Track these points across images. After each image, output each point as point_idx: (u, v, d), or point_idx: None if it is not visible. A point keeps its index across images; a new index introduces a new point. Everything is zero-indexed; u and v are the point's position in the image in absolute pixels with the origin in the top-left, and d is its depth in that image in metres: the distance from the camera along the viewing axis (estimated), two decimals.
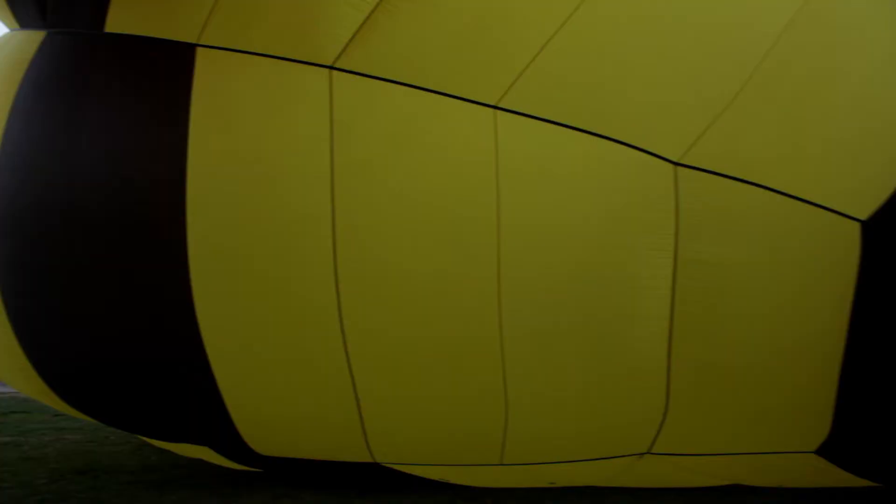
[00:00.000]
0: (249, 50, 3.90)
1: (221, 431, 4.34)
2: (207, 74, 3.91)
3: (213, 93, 3.93)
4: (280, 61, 3.88)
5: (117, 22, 4.07)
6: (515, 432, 4.09)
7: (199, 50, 3.93)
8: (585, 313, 3.79)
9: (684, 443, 4.21)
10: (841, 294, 3.72)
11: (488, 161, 3.71)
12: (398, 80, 3.81)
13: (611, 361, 3.88)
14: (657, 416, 4.02)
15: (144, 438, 5.37)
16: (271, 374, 4.07)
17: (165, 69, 3.96)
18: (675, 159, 3.66)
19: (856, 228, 3.66)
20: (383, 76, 3.82)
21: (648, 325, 3.81)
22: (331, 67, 3.84)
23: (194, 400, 4.22)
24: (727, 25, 3.75)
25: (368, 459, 4.43)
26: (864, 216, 3.65)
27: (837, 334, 3.76)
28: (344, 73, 3.83)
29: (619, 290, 3.77)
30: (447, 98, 3.78)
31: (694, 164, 3.65)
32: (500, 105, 3.73)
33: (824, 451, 4.08)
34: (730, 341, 3.80)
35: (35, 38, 4.31)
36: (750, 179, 3.64)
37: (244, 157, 3.90)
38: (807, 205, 3.65)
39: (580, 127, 3.70)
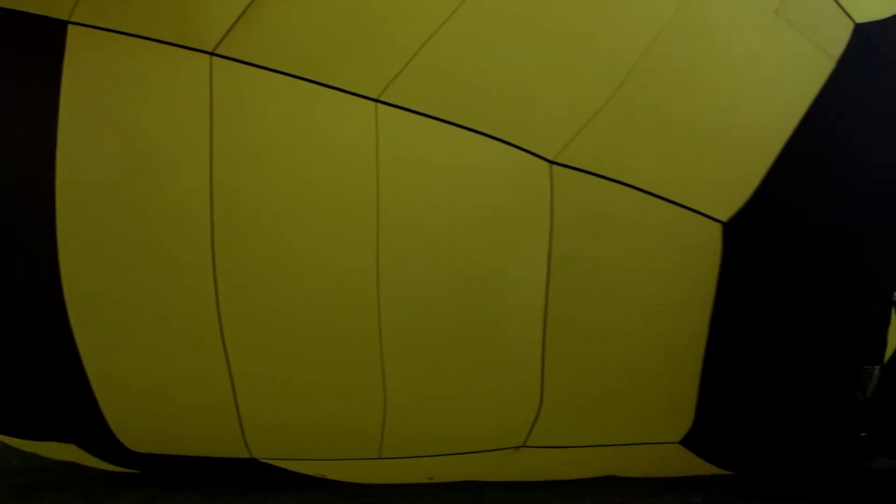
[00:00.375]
0: (125, 30, 3.81)
1: (90, 423, 4.22)
2: (79, 53, 3.81)
3: (85, 74, 3.83)
4: (158, 44, 3.82)
5: None
6: (394, 425, 4.14)
7: (71, 27, 3.82)
8: (462, 307, 3.89)
9: (559, 435, 4.34)
10: (704, 291, 3.92)
11: (369, 155, 3.76)
12: (280, 69, 3.81)
13: (486, 355, 3.98)
14: (532, 409, 4.14)
15: (4, 439, 5.14)
16: (144, 359, 4.00)
17: (34, 46, 3.84)
18: (550, 158, 3.79)
19: (717, 229, 3.86)
20: (265, 65, 3.81)
21: (523, 320, 3.93)
22: (211, 53, 3.80)
23: (59, 386, 4.10)
24: (605, 26, 3.91)
25: (246, 455, 4.39)
26: (725, 218, 3.86)
27: (700, 330, 3.95)
28: (225, 60, 3.79)
29: (494, 286, 3.88)
30: (329, 89, 3.80)
31: (569, 163, 3.79)
32: (381, 98, 3.77)
33: (687, 442, 4.28)
34: (600, 336, 3.97)
35: None
36: (621, 179, 3.80)
37: (118, 141, 3.83)
38: (673, 205, 3.83)
39: (460, 123, 3.78)
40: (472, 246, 3.83)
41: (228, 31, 3.74)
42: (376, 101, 3.78)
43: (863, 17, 4.30)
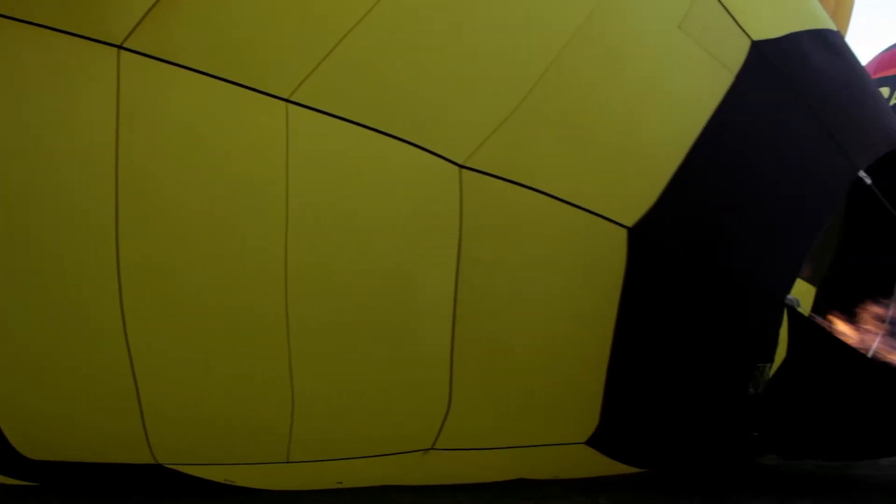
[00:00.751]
0: (29, 19, 3.72)
1: None
2: None
3: None
4: (63, 35, 3.74)
5: None
6: (302, 426, 4.13)
7: None
8: (370, 308, 3.93)
9: (467, 437, 4.42)
10: (609, 294, 4.07)
11: (279, 156, 3.76)
12: (190, 65, 3.77)
13: (395, 356, 4.04)
14: (440, 410, 4.21)
15: None
16: (39, 353, 3.90)
17: None
18: (460, 162, 3.87)
19: (623, 234, 4.02)
20: (175, 60, 3.77)
21: (432, 322, 4.00)
22: (119, 47, 3.74)
23: None
24: (515, 34, 4.02)
25: (150, 460, 4.31)
26: (630, 223, 4.02)
27: (605, 332, 4.10)
28: (133, 54, 3.74)
29: (403, 287, 3.95)
30: (240, 88, 3.79)
31: (478, 168, 3.88)
32: (292, 99, 3.79)
33: (593, 441, 4.41)
34: (507, 339, 4.07)
35: None
36: (529, 184, 3.91)
37: (17, 135, 3.73)
38: (580, 210, 3.97)
39: (371, 125, 3.83)
40: (381, 248, 3.88)
41: (138, 24, 3.69)
42: (287, 101, 3.79)
43: (759, 34, 4.56)
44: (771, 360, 4.31)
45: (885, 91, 19.12)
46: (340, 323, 3.91)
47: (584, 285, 4.07)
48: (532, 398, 4.26)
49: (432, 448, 4.41)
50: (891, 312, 5.35)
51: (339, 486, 4.79)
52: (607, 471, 4.82)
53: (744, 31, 4.54)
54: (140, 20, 3.70)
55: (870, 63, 20.67)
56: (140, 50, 3.73)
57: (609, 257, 4.05)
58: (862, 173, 4.48)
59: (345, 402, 4.11)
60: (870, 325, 5.12)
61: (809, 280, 5.74)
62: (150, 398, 3.95)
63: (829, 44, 5.03)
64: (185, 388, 3.99)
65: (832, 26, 5.25)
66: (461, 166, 3.89)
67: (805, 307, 5.21)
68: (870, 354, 4.89)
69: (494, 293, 3.98)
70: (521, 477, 4.91)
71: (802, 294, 5.57)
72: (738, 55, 4.45)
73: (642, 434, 4.52)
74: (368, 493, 4.74)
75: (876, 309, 5.22)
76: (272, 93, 3.78)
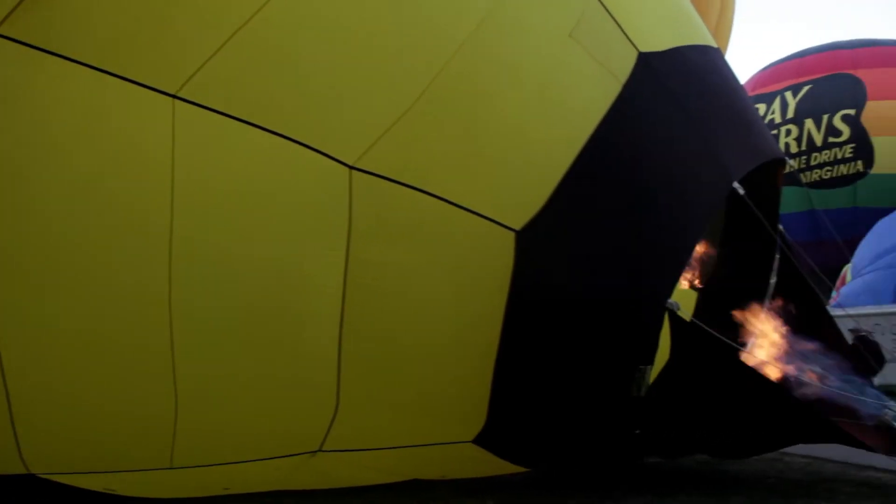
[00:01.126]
0: None
1: None
2: None
3: None
4: None
5: None
6: (185, 429, 4.06)
7: None
8: (256, 309, 3.91)
9: (356, 438, 4.43)
10: (496, 297, 4.16)
11: (164, 151, 3.70)
12: (71, 56, 3.65)
13: (282, 357, 4.02)
14: (328, 412, 4.21)
15: None
16: None
17: None
18: (350, 163, 3.90)
19: (511, 237, 4.12)
20: (54, 50, 3.65)
21: (320, 323, 4.01)
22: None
23: None
24: (407, 38, 4.07)
25: (22, 471, 4.13)
26: (517, 227, 4.12)
27: (492, 333, 4.19)
28: (7, 41, 3.60)
29: (291, 288, 3.94)
30: (125, 82, 3.71)
31: (368, 169, 3.91)
32: (179, 95, 3.72)
33: (481, 440, 4.49)
34: (395, 340, 4.12)
35: None
36: (419, 186, 3.97)
37: None
38: (469, 213, 4.05)
39: (261, 124, 3.80)
40: (268, 247, 3.87)
41: (12, 11, 3.56)
42: (174, 97, 3.73)
43: (646, 46, 4.74)
44: (651, 362, 4.48)
45: (761, 108, 20.43)
46: (225, 322, 3.88)
47: (472, 287, 4.15)
48: (420, 398, 4.31)
49: (320, 450, 4.40)
50: (766, 315, 5.64)
51: (226, 492, 4.72)
52: (495, 470, 4.92)
53: (631, 42, 4.70)
54: (15, 6, 3.56)
55: (748, 81, 21.98)
56: (15, 37, 3.59)
57: (497, 260, 4.14)
58: (736, 184, 4.73)
59: (230, 403, 4.06)
60: (746, 332, 5.39)
61: (691, 285, 5.99)
62: (21, 403, 3.80)
63: (710, 59, 5.28)
64: (60, 391, 3.86)
65: (713, 43, 5.51)
66: (351, 167, 3.91)
67: (686, 311, 5.43)
68: (746, 357, 5.13)
69: (383, 294, 4.02)
70: (410, 478, 4.96)
71: (684, 299, 5.82)
72: (625, 65, 4.61)
73: (528, 433, 4.62)
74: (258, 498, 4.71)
75: (752, 314, 5.50)
76: (159, 88, 3.71)
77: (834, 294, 15.56)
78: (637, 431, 4.87)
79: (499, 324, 4.17)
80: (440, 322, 4.15)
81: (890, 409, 5.16)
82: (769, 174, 5.49)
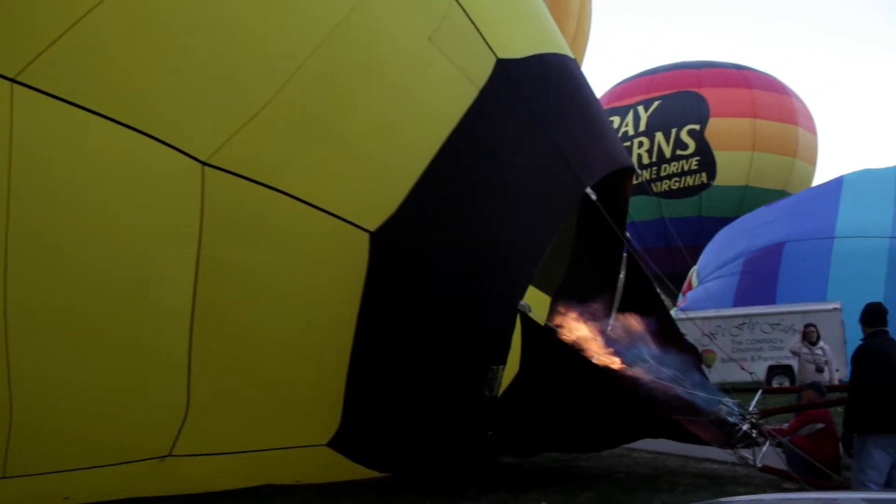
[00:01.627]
0: None
1: None
2: None
3: None
4: None
5: None
6: (21, 437, 3.85)
7: None
8: (101, 307, 3.76)
9: (207, 442, 4.33)
10: (351, 297, 4.17)
11: (1, 136, 3.51)
12: None
13: (127, 357, 3.89)
14: (177, 415, 4.10)
15: None
16: None
17: None
18: (203, 159, 3.81)
19: (365, 238, 4.14)
20: None
21: (169, 323, 3.90)
22: None
23: None
24: (264, 34, 4.01)
25: None
26: (372, 227, 4.15)
27: (346, 335, 4.20)
28: None
29: (138, 286, 3.81)
30: None
31: (221, 166, 3.83)
32: (18, 79, 3.54)
33: (335, 443, 4.49)
34: (247, 340, 4.06)
35: None
36: (274, 185, 3.92)
37: None
38: (325, 213, 4.04)
39: (108, 114, 3.67)
40: (113, 242, 3.73)
41: None
42: (13, 80, 3.54)
43: (504, 53, 4.86)
44: (504, 362, 4.58)
45: (615, 120, 21.73)
46: (65, 319, 3.70)
47: (325, 288, 4.14)
48: (273, 401, 4.26)
49: (169, 455, 4.27)
50: (611, 320, 5.90)
51: (66, 501, 4.50)
52: (350, 475, 4.91)
53: (490, 48, 4.81)
54: None
55: (603, 95, 23.26)
56: None
57: (351, 261, 4.15)
58: (589, 190, 4.92)
59: (70, 407, 3.88)
60: (596, 332, 5.61)
61: (544, 289, 6.18)
62: None
63: (567, 69, 5.47)
64: None
65: (570, 53, 5.72)
66: (204, 163, 3.82)
67: (540, 314, 5.60)
68: (594, 359, 5.34)
69: (235, 295, 3.95)
70: (265, 483, 4.88)
71: (538, 302, 6.00)
72: (483, 71, 4.71)
73: (383, 435, 4.65)
74: None
75: (600, 316, 5.73)
76: None
77: (681, 298, 16.49)
78: (490, 433, 4.96)
79: (352, 325, 4.19)
80: (293, 323, 4.12)
81: (725, 405, 5.50)
82: (619, 182, 5.75)
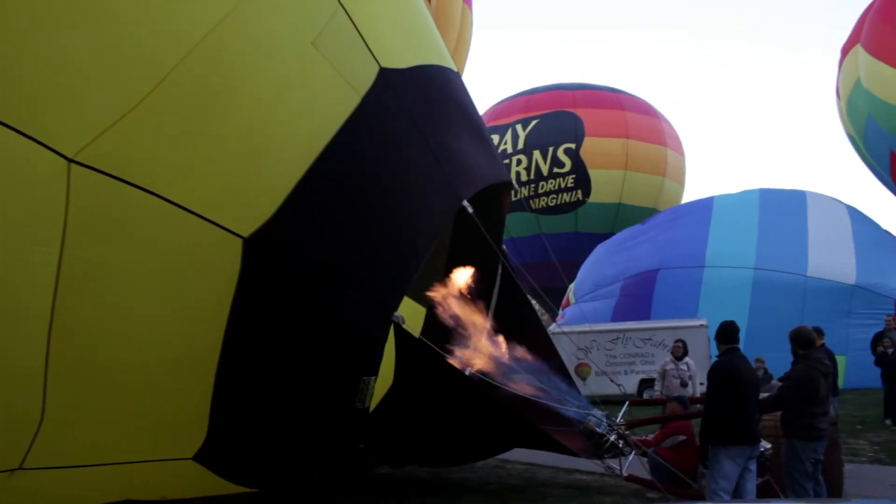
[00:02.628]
0: None
1: None
2: None
3: None
4: None
5: None
6: None
7: None
8: None
9: (63, 455, 4.13)
10: (220, 304, 4.08)
11: None
12: None
13: None
14: (30, 426, 3.89)
15: None
16: None
17: None
18: (69, 155, 3.65)
19: (238, 244, 4.06)
20: None
21: (25, 327, 3.70)
22: None
23: None
24: (138, 31, 3.88)
25: None
26: (246, 233, 4.07)
27: (214, 343, 4.11)
28: None
29: None
30: None
31: (89, 163, 3.68)
32: None
33: (201, 457, 4.37)
34: (110, 347, 3.89)
35: None
36: (144, 186, 3.79)
37: None
38: (196, 217, 3.93)
39: None
40: None
41: None
42: None
43: (388, 62, 4.90)
44: (376, 373, 4.57)
45: (495, 138, 22.58)
46: None
47: (194, 294, 4.04)
48: (136, 412, 4.11)
49: (20, 468, 4.05)
50: (485, 333, 6.00)
51: None
52: (218, 490, 4.79)
53: (374, 56, 4.83)
54: None
55: (484, 113, 24.04)
56: None
57: (222, 267, 4.07)
58: (466, 203, 5.00)
59: None
60: (470, 344, 5.70)
61: (419, 301, 6.23)
62: None
63: (450, 82, 5.56)
64: None
65: (454, 66, 5.81)
66: (70, 160, 3.65)
67: (415, 327, 5.64)
68: (467, 371, 5.43)
69: (98, 298, 3.79)
70: (126, 497, 4.70)
71: (413, 313, 6.04)
72: (366, 78, 4.73)
73: (252, 448, 4.56)
74: None
75: (475, 329, 5.83)
76: None
77: (560, 313, 17.06)
78: (362, 445, 4.94)
79: (221, 333, 4.10)
80: (158, 330, 3.98)
81: (594, 416, 5.70)
82: (496, 197, 5.87)
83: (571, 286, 17.99)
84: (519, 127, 23.00)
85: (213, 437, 4.29)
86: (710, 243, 16.73)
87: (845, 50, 17.27)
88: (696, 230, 17.20)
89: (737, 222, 16.98)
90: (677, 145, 24.77)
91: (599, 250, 18.56)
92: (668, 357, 9.23)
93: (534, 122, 23.00)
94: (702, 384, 9.41)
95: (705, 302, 15.70)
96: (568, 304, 17.78)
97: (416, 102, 5.04)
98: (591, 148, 22.52)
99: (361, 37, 4.81)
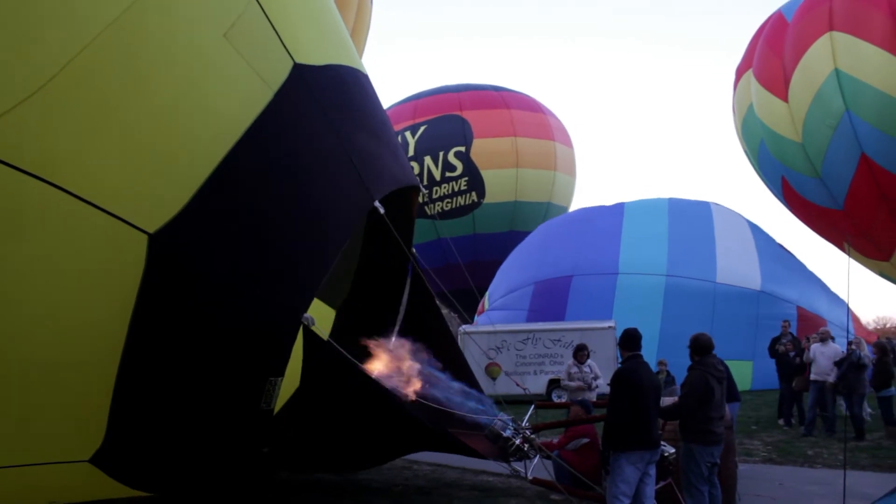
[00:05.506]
0: None
1: None
2: None
3: None
4: None
5: None
6: None
7: None
8: None
9: None
10: (123, 302, 3.97)
11: None
12: None
13: None
14: None
15: None
16: None
17: None
18: None
19: (143, 240, 3.96)
20: None
21: None
22: None
23: None
24: (40, 16, 3.76)
25: None
26: (152, 229, 3.97)
27: (116, 341, 3.99)
28: None
29: None
30: None
31: None
32: None
33: (98, 460, 4.24)
34: (4, 342, 3.74)
35: None
36: (42, 176, 3.65)
37: None
38: (99, 211, 3.81)
39: None
40: None
41: None
42: None
43: (302, 58, 4.86)
44: (282, 374, 4.54)
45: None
46: None
47: (95, 291, 3.91)
48: (28, 410, 3.95)
49: None
50: (394, 336, 6.06)
51: None
52: (114, 493, 4.64)
53: (288, 52, 4.78)
54: None
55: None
56: None
57: (126, 264, 3.96)
58: (377, 203, 5.02)
59: None
60: (379, 349, 5.74)
61: (329, 302, 6.23)
62: None
63: (361, 83, 5.57)
64: None
65: (364, 69, 5.81)
66: None
67: (325, 328, 5.63)
68: (374, 374, 5.46)
69: None
70: (19, 501, 4.54)
71: (322, 314, 6.04)
72: (279, 74, 4.67)
73: (152, 450, 4.45)
74: None
75: (383, 332, 5.88)
76: None
77: (475, 320, 17.35)
78: (266, 449, 4.90)
79: (123, 331, 3.99)
80: (56, 325, 3.84)
81: (500, 419, 5.81)
82: (405, 200, 5.91)
83: (486, 295, 18.32)
84: (408, 134, 23.37)
85: (111, 438, 4.16)
86: (623, 250, 17.32)
87: (739, 72, 17.81)
88: (607, 236, 17.75)
89: (647, 230, 17.65)
90: (565, 137, 25.47)
91: (512, 256, 18.96)
92: (571, 360, 9.52)
93: (422, 128, 23.40)
94: (608, 384, 9.73)
95: (619, 307, 16.27)
96: (483, 310, 18.08)
97: (330, 100, 5.01)
98: (481, 149, 23.08)
99: (276, 31, 4.76)
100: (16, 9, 3.71)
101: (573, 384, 9.00)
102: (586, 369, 9.24)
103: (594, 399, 8.40)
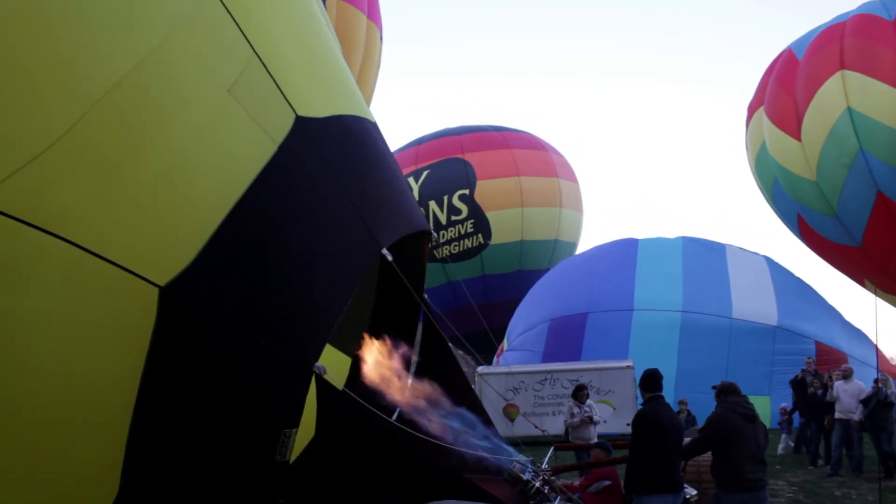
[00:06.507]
0: None
1: None
2: None
3: None
4: None
5: None
6: None
7: None
8: None
9: None
10: (135, 356, 4.02)
11: None
12: None
13: None
14: None
15: None
16: None
17: None
18: None
19: (154, 293, 4.02)
20: None
21: None
22: None
23: None
24: (53, 73, 3.87)
25: None
26: (162, 282, 4.03)
27: (128, 395, 4.03)
28: None
29: None
30: None
31: None
32: None
33: None
34: (19, 399, 3.78)
35: None
36: (54, 231, 3.73)
37: None
38: (109, 264, 3.89)
39: None
40: None
41: None
42: None
43: (304, 111, 4.97)
44: (296, 425, 4.55)
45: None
46: None
47: (107, 344, 3.96)
48: (45, 464, 3.97)
49: None
50: (409, 382, 6.05)
51: None
52: None
53: (290, 104, 4.89)
54: None
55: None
56: None
57: (137, 317, 4.01)
58: (385, 251, 5.07)
59: None
60: (395, 394, 5.73)
61: (344, 350, 6.24)
62: None
63: (366, 130, 5.66)
64: None
65: (371, 117, 5.92)
66: None
67: (339, 376, 5.64)
68: (393, 419, 5.45)
69: (4, 348, 3.69)
70: None
71: (337, 362, 6.05)
72: (282, 127, 4.78)
73: (167, 502, 4.44)
74: None
75: (399, 378, 5.87)
76: None
77: (496, 360, 17.33)
78: (281, 501, 4.89)
79: (135, 385, 4.02)
80: (68, 381, 3.88)
81: (519, 462, 5.78)
82: (415, 245, 5.96)
83: (506, 335, 18.31)
84: (411, 180, 23.52)
85: (124, 494, 4.17)
86: (638, 287, 17.28)
87: (751, 109, 18.03)
88: (622, 273, 17.74)
89: (662, 267, 17.65)
90: (569, 173, 25.59)
91: (530, 294, 18.93)
92: (572, 401, 9.58)
93: (425, 173, 23.59)
94: (627, 424, 9.71)
95: (635, 345, 16.20)
96: (503, 350, 18.03)
97: (334, 151, 5.11)
98: (485, 190, 23.23)
99: (277, 85, 4.87)
100: (29, 69, 3.83)
101: (576, 420, 9.06)
102: (587, 409, 9.33)
103: (596, 435, 8.43)
